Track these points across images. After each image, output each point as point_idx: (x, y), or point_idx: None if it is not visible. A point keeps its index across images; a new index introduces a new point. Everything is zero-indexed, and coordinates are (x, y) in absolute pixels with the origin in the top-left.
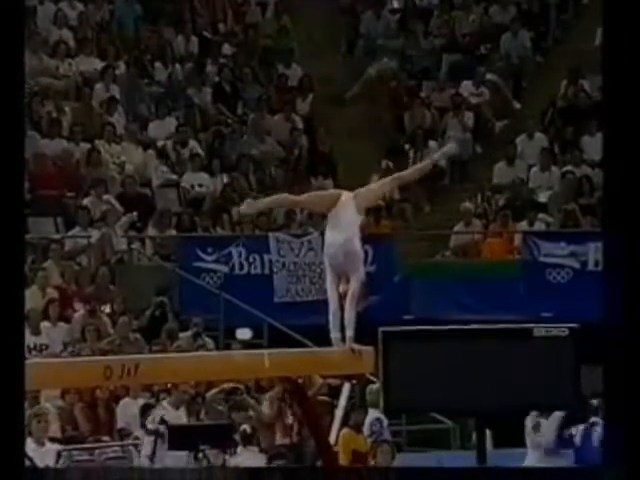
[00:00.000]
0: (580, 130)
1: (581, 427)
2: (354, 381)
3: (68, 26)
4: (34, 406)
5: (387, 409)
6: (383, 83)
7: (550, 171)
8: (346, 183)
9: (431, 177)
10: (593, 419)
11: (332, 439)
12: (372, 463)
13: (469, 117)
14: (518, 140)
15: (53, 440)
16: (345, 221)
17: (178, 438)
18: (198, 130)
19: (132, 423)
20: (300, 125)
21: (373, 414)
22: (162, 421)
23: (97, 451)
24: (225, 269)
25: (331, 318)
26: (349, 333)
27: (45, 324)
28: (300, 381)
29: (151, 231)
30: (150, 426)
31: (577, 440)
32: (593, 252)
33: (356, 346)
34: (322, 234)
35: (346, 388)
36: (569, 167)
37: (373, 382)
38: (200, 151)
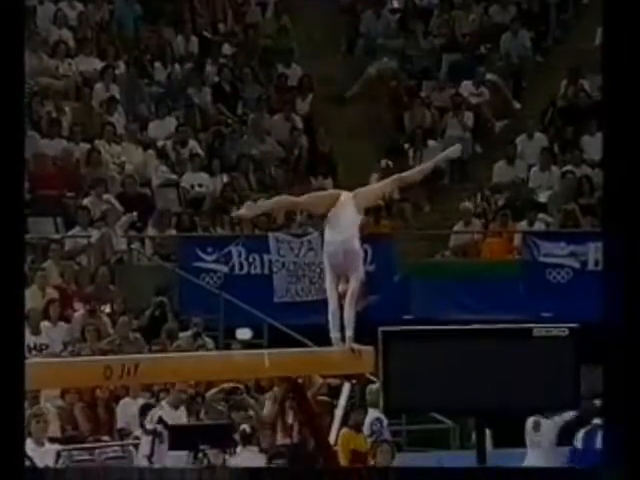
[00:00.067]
0: (580, 130)
1: (581, 427)
2: (354, 381)
3: (68, 26)
4: (34, 406)
5: (387, 409)
6: (383, 83)
7: (550, 171)
8: (346, 183)
9: (431, 177)
10: (593, 419)
11: (332, 439)
12: (372, 463)
13: (469, 117)
14: (518, 140)
15: (53, 440)
16: (345, 221)
17: (178, 438)
18: (198, 130)
19: (132, 423)
20: (300, 125)
21: (373, 414)
22: (160, 421)
23: (97, 451)
24: (225, 269)
25: (331, 318)
26: (349, 333)
27: (45, 324)
28: (300, 381)
29: (151, 231)
30: (148, 426)
31: (577, 440)
32: (593, 252)
33: (356, 346)
34: (322, 234)
35: (346, 388)
36: (569, 167)
37: (373, 382)
38: (200, 151)
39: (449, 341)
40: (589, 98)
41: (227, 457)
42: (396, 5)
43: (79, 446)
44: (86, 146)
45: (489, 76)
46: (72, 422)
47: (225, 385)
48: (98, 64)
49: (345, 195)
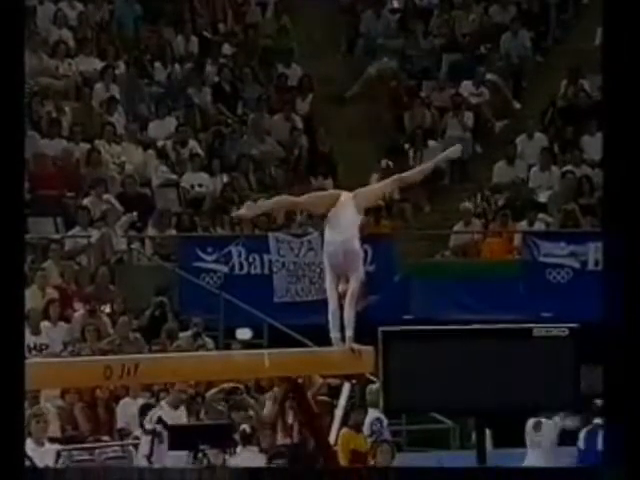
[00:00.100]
0: (580, 130)
1: (581, 427)
2: (354, 381)
3: (68, 26)
4: (34, 406)
5: (387, 409)
6: (383, 83)
7: (550, 171)
8: (346, 183)
9: (431, 177)
10: (593, 419)
11: (332, 439)
12: (372, 463)
13: (469, 117)
14: (518, 140)
15: (53, 440)
16: (345, 221)
17: (178, 438)
18: (198, 130)
19: (132, 423)
20: (300, 125)
21: (373, 414)
22: (160, 421)
23: (97, 451)
24: (225, 269)
25: (331, 318)
26: (349, 333)
27: (45, 324)
28: (300, 381)
29: (151, 231)
30: (148, 426)
31: (577, 440)
32: (593, 252)
33: (356, 346)
34: (322, 234)
35: (346, 388)
36: (569, 167)
37: (373, 382)
38: (200, 151)
39: (449, 341)
40: (589, 98)
41: (227, 457)
42: (396, 5)
43: (79, 446)
44: (86, 146)
45: (489, 76)
46: (72, 422)
47: (225, 385)
48: (98, 64)
49: (345, 195)
